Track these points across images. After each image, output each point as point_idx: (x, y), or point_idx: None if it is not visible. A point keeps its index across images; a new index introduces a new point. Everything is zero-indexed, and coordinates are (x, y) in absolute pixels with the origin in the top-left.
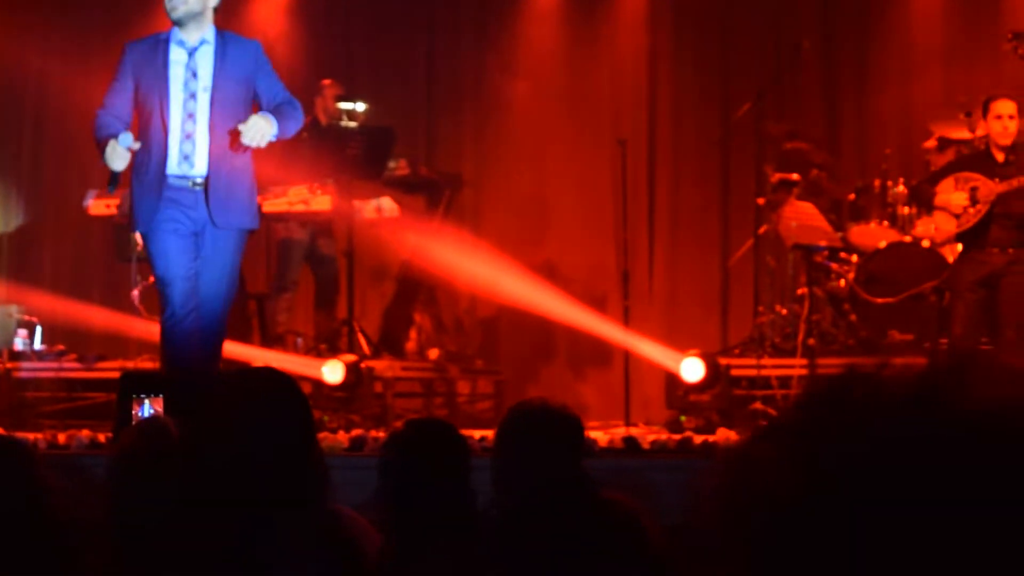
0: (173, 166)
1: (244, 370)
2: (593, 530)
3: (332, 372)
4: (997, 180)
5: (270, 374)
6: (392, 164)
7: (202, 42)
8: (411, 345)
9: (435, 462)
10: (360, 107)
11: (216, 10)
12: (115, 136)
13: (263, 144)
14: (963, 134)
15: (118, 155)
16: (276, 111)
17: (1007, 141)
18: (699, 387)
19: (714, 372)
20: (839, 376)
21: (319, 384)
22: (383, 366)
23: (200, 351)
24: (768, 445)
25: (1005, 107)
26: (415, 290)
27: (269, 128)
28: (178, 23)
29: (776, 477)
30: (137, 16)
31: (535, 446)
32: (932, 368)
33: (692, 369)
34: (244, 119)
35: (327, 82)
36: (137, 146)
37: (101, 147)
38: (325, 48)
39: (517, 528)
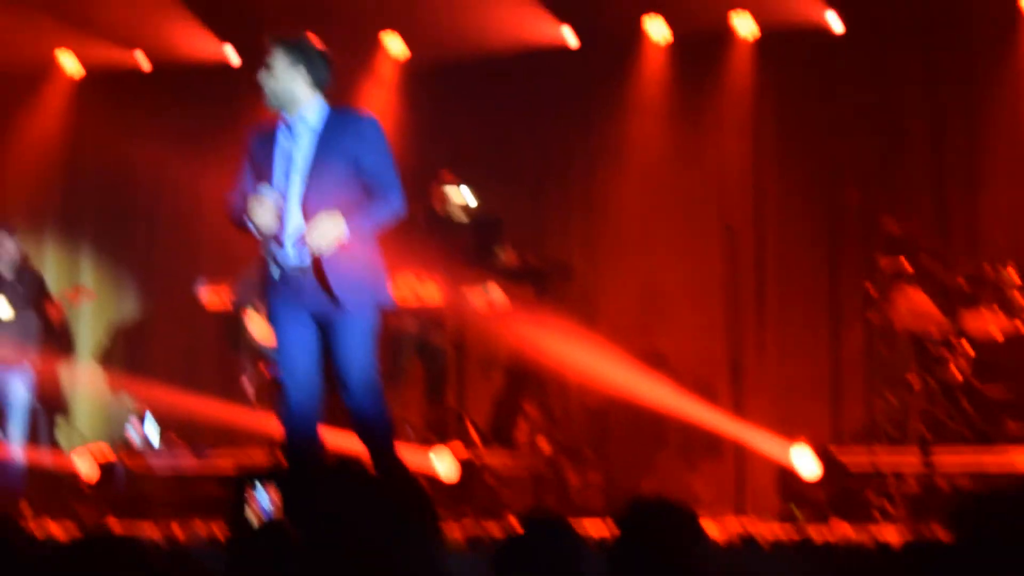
0: (286, 252)
1: (366, 468)
2: None
3: (443, 464)
4: None
5: (394, 473)
6: (500, 253)
7: (302, 123)
8: (521, 436)
9: (551, 558)
10: (472, 201)
11: (320, 87)
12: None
13: (331, 247)
14: None
15: (264, 207)
16: (370, 197)
17: None
18: (812, 479)
19: (827, 463)
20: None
21: (430, 476)
22: (494, 457)
23: (318, 442)
24: (958, 535)
25: None
26: (524, 380)
27: (334, 230)
28: (277, 110)
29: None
30: (248, 107)
31: (654, 541)
32: None
33: (805, 460)
34: (350, 199)
35: (446, 173)
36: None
37: (238, 219)
38: (433, 134)
39: None
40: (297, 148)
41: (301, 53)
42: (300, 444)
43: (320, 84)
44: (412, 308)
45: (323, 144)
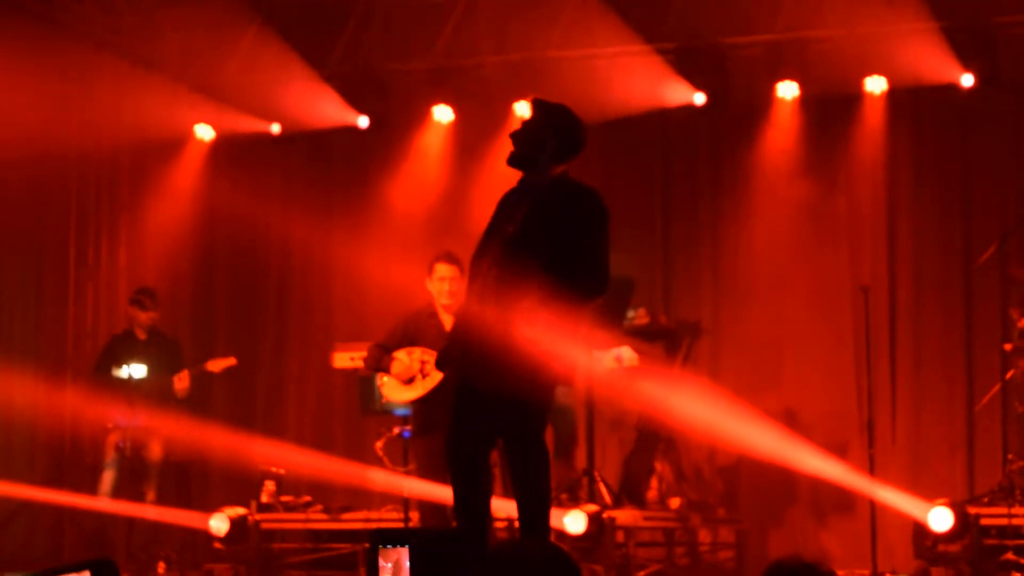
0: None
1: (518, 544)
2: None
3: (575, 523)
4: None
5: (549, 552)
6: (631, 313)
7: (528, 188)
8: (652, 494)
9: None
10: None
11: (561, 160)
12: None
13: None
14: None
15: None
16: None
17: None
18: (948, 537)
19: (963, 522)
20: None
21: (562, 535)
22: (625, 515)
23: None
24: None
25: None
26: (655, 439)
27: None
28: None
29: None
30: (376, 167)
31: None
32: None
33: (941, 519)
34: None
35: None
36: None
37: None
38: None
39: None
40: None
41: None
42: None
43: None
44: None
45: (534, 211)
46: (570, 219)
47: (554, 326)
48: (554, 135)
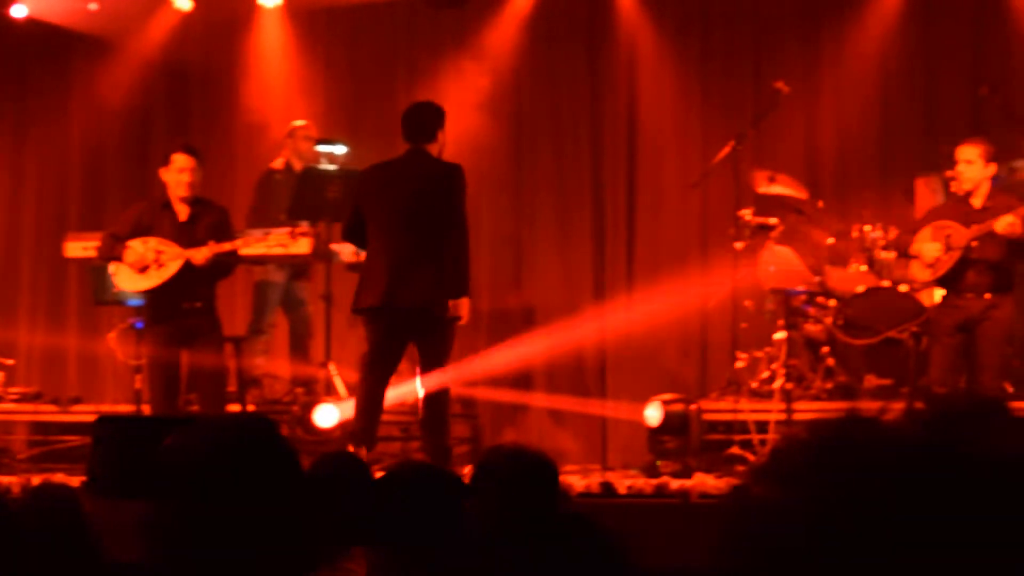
0: None
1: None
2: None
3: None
4: (971, 226)
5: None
6: None
7: None
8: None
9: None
10: (340, 149)
11: None
12: None
13: None
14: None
15: None
16: None
17: (963, 187)
18: (668, 432)
19: (681, 418)
20: (842, 419)
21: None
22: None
23: None
24: (774, 490)
25: (962, 152)
26: None
27: None
28: None
29: (785, 523)
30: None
31: (510, 489)
32: (937, 414)
33: (653, 414)
34: None
35: (299, 123)
36: None
37: None
38: (301, 85)
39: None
40: None
41: None
42: None
43: None
44: (282, 260)
45: None
46: None
47: None
48: None
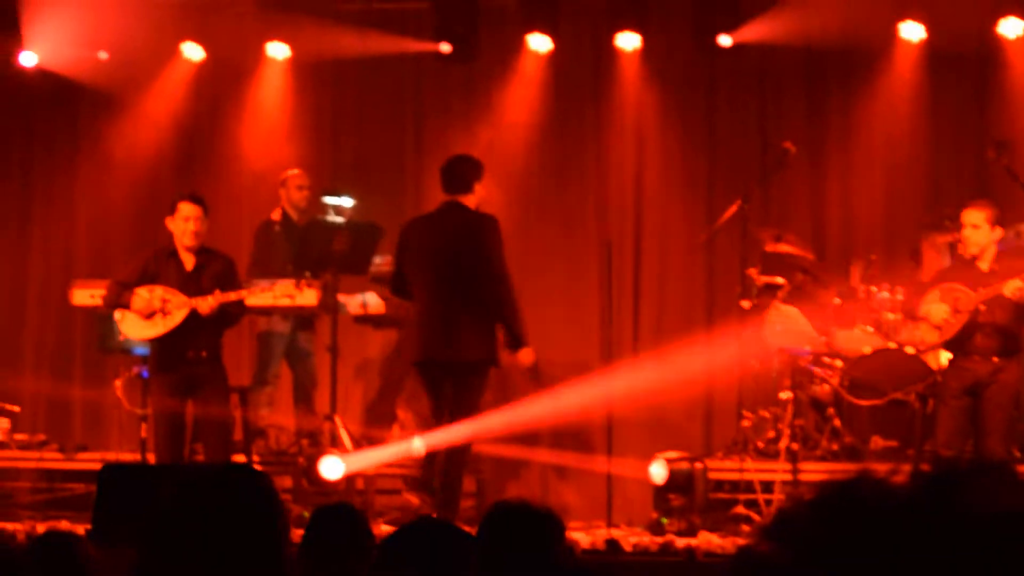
0: None
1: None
2: None
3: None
4: (979, 290)
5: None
6: (378, 260)
7: None
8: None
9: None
10: (347, 202)
11: None
12: None
13: None
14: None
15: None
16: None
17: (969, 251)
18: (674, 490)
19: (686, 476)
20: (851, 480)
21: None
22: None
23: None
24: (780, 550)
25: (968, 216)
26: (398, 386)
27: None
28: None
29: None
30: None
31: (515, 545)
32: (943, 474)
33: (658, 472)
34: None
35: (291, 172)
36: None
37: None
38: (308, 137)
39: None
40: None
41: None
42: None
43: None
44: (287, 311)
45: None
46: None
47: None
48: None
